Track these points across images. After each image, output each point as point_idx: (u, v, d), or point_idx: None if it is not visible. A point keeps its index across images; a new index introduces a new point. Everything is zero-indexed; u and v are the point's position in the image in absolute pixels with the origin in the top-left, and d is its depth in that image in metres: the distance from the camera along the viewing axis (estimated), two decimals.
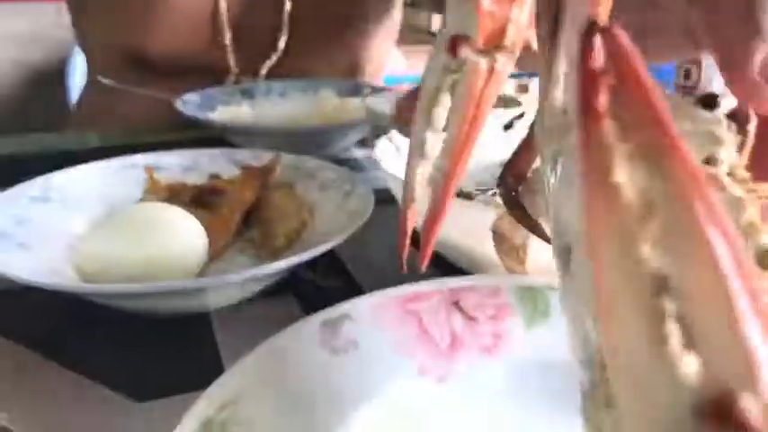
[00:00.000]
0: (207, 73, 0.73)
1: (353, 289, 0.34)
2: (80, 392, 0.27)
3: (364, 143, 0.60)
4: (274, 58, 0.74)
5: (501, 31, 0.14)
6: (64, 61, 3.60)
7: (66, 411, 0.26)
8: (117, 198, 0.39)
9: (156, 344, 0.30)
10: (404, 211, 0.17)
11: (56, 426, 0.25)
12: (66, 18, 2.62)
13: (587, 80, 0.08)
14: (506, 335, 0.25)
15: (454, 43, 0.15)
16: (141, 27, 0.71)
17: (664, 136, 0.08)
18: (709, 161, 0.15)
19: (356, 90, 0.64)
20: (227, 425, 0.19)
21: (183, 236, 0.30)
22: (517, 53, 0.15)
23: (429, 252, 0.17)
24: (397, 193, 0.32)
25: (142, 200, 0.39)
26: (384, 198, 0.36)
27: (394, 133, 0.39)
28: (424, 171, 0.17)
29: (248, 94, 0.65)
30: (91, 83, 0.80)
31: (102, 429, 0.25)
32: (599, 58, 0.08)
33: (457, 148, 0.15)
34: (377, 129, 0.50)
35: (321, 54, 0.76)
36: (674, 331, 0.07)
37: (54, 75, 3.59)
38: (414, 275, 0.28)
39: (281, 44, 0.74)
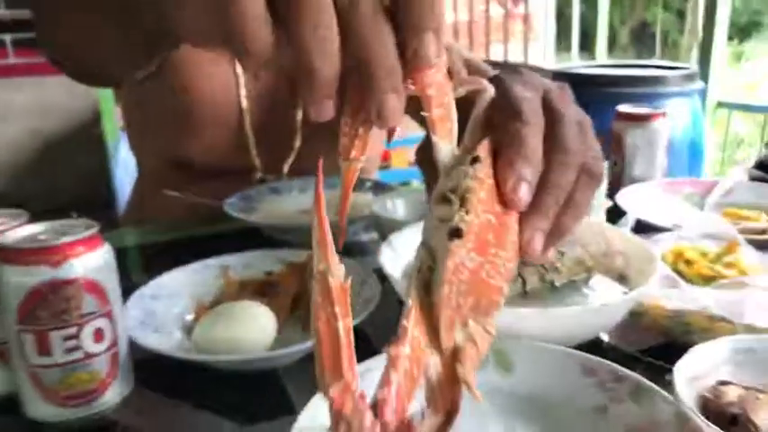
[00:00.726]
0: (237, 172, 0.91)
1: (369, 345, 0.51)
2: (205, 422, 0.44)
3: (368, 229, 0.78)
4: (291, 157, 0.92)
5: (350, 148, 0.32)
6: (77, 129, 3.78)
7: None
8: (202, 289, 0.57)
9: (248, 390, 0.47)
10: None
11: None
12: (79, 88, 2.89)
13: None
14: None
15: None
16: (182, 140, 0.89)
17: None
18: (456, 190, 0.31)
19: (360, 185, 0.83)
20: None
21: (261, 323, 0.48)
22: (362, 160, 0.32)
23: (342, 241, 0.32)
24: (398, 287, 0.50)
25: (222, 291, 0.56)
26: (385, 277, 0.53)
27: (393, 238, 0.57)
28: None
29: (276, 191, 0.84)
30: (141, 185, 0.99)
31: None
32: None
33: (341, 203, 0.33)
34: (379, 225, 0.69)
35: (328, 152, 0.95)
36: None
37: (69, 141, 3.78)
38: None
39: (296, 144, 0.93)
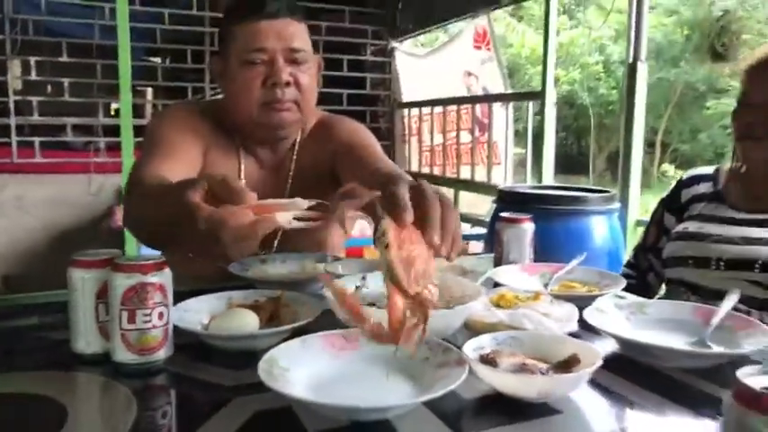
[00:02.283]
0: None
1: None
2: (213, 371, 0.78)
3: None
4: (277, 240, 1.30)
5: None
6: (89, 222, 4.14)
7: (214, 370, 0.77)
8: (214, 308, 0.92)
9: (239, 357, 0.81)
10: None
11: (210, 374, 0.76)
12: (93, 187, 3.48)
13: None
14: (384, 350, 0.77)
15: None
16: None
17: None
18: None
19: (324, 258, 1.20)
20: (274, 362, 0.70)
21: (250, 320, 0.84)
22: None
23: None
24: (335, 309, 0.86)
25: (227, 309, 0.92)
26: (329, 310, 0.88)
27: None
28: None
29: (263, 261, 1.21)
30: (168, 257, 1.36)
31: (226, 378, 0.76)
32: None
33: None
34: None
35: (306, 237, 1.33)
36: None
37: (81, 233, 4.12)
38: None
39: (279, 234, 1.31)
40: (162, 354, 0.79)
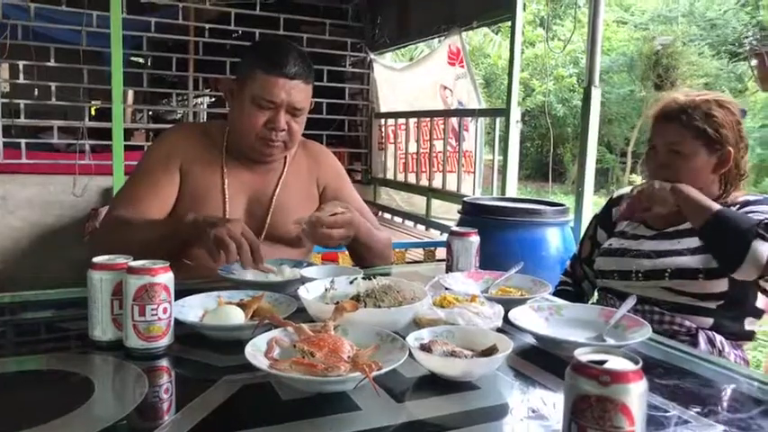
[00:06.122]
0: None
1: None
2: (206, 354, 0.97)
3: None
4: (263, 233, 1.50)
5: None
6: (74, 223, 4.28)
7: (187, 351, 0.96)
8: (207, 304, 1.11)
9: (228, 344, 1.00)
10: None
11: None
12: (78, 188, 3.73)
13: None
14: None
15: None
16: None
17: None
18: None
19: (299, 264, 1.39)
20: (257, 347, 0.89)
21: (237, 315, 1.02)
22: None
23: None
24: (305, 304, 1.05)
25: (217, 306, 1.10)
26: (302, 308, 1.07)
27: (308, 285, 1.12)
28: None
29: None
30: None
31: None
32: None
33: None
34: (306, 282, 1.23)
35: (284, 244, 1.53)
36: None
37: (64, 233, 4.25)
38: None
39: (262, 238, 1.50)
40: (165, 341, 0.97)
